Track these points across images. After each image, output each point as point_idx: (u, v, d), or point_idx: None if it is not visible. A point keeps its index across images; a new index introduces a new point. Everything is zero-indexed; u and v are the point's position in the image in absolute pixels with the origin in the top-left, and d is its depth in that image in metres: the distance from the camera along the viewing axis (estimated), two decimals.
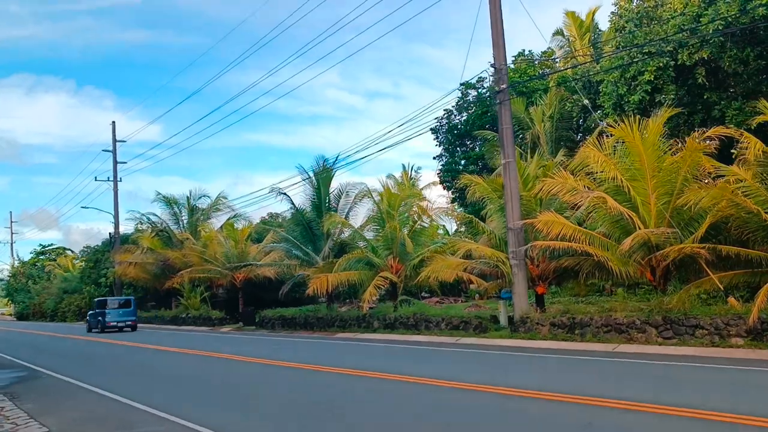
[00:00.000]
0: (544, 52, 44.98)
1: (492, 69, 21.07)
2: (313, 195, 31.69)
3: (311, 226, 31.46)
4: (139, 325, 43.54)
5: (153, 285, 48.54)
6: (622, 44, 23.95)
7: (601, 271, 19.17)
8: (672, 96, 22.11)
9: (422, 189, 51.39)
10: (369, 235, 28.84)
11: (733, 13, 20.33)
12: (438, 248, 25.73)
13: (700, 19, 21.10)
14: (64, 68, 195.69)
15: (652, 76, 22.28)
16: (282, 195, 31.68)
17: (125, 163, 52.17)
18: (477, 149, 43.82)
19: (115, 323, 37.19)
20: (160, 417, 10.29)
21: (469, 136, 44.82)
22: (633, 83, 22.85)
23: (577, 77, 28.84)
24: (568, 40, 41.26)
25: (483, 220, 23.84)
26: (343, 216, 32.08)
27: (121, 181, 51.64)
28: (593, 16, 40.86)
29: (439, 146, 45.69)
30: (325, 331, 27.48)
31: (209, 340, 27.60)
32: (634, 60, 22.73)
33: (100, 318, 37.23)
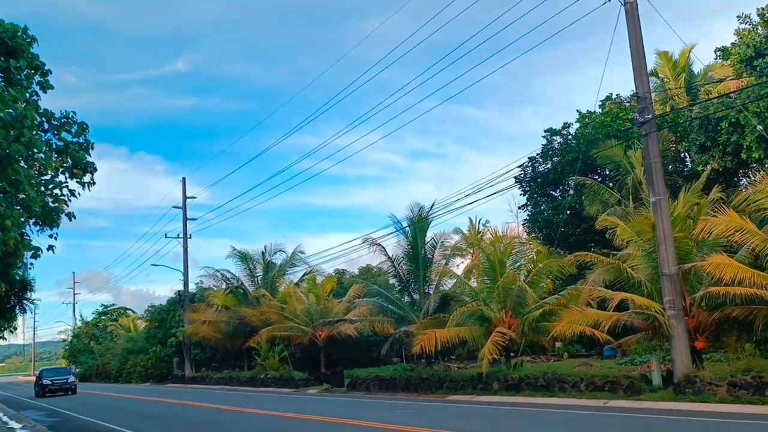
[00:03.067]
0: (631, 96, 42.80)
1: (634, 97, 19.10)
2: (408, 246, 29.68)
3: (407, 278, 29.38)
4: (212, 387, 41.67)
5: (224, 345, 46.75)
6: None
7: None
8: None
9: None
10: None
11: None
12: (560, 299, 23.28)
13: None
14: (117, 135, 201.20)
15: None
16: (376, 246, 29.76)
17: (195, 219, 51.16)
18: (565, 197, 41.53)
19: None
20: None
21: (555, 185, 42.62)
22: None
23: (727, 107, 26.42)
24: (662, 80, 39.17)
25: None
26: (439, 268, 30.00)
27: (191, 238, 50.55)
28: (688, 54, 38.83)
29: (523, 195, 43.44)
30: (433, 393, 25.03)
31: (309, 403, 25.41)
32: None
33: None
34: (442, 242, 30.87)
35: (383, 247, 29.79)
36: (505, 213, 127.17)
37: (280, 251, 46.47)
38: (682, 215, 19.11)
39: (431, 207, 29.84)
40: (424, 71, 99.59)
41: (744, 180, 29.68)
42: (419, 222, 29.48)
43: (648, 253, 19.16)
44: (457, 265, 35.05)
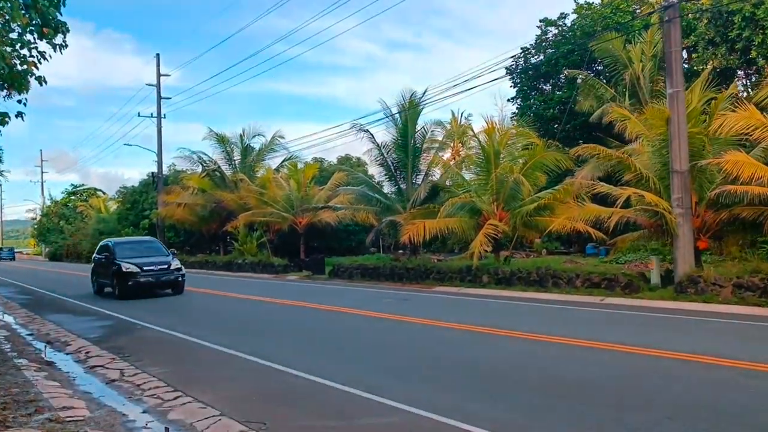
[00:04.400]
0: None
1: None
2: (397, 134, 28.43)
3: (396, 167, 28.32)
4: (188, 270, 41.08)
5: (200, 228, 45.82)
6: None
7: None
8: None
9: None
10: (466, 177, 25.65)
11: None
12: (555, 194, 22.50)
13: None
14: (83, 10, 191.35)
15: None
16: (363, 132, 28.46)
17: (169, 98, 48.75)
18: (555, 92, 40.21)
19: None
20: (375, 401, 7.42)
21: (546, 78, 41.20)
22: None
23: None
24: None
25: None
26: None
27: (164, 118, 48.38)
28: None
29: (514, 87, 41.99)
30: (418, 283, 24.56)
31: (290, 289, 24.85)
32: None
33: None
34: (432, 132, 29.70)
35: (371, 134, 28.54)
36: (490, 108, 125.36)
37: (258, 135, 44.91)
38: (697, 110, 18.09)
39: (423, 94, 28.44)
40: None
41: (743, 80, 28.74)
42: (410, 109, 28.13)
43: (657, 148, 18.25)
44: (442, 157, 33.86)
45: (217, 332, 13.47)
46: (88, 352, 11.61)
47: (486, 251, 22.69)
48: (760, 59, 25.43)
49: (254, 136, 44.74)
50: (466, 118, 58.92)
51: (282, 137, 44.21)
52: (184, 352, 11.61)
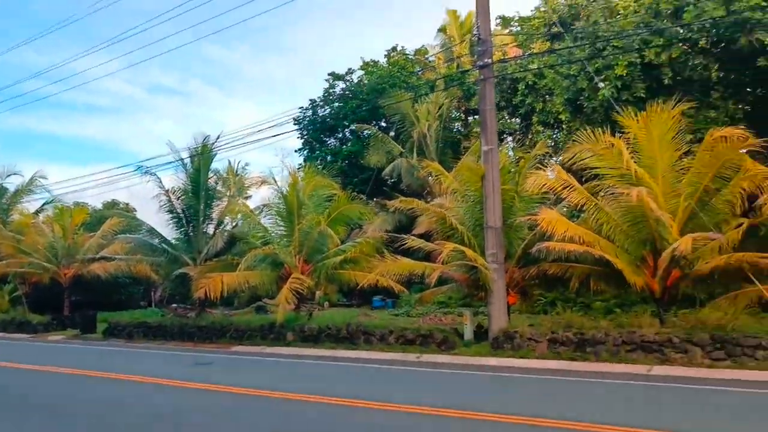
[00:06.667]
0: (417, 50, 42.81)
1: (476, 39, 18.06)
2: (188, 180, 26.27)
3: (187, 215, 26.09)
4: None
5: None
6: (582, 36, 22.11)
7: (600, 281, 16.86)
8: (642, 94, 20.58)
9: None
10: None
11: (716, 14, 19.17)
12: (361, 246, 21.98)
13: (683, 16, 19.79)
14: None
15: (625, 71, 20.60)
16: (151, 175, 25.91)
17: None
18: (340, 146, 40.38)
19: None
20: None
21: (332, 132, 41.31)
22: (598, 77, 20.99)
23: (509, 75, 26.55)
24: (450, 39, 39.43)
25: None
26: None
27: None
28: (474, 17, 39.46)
29: (301, 138, 41.52)
30: (213, 343, 22.42)
31: (56, 352, 21.45)
32: (603, 53, 20.94)
33: None
34: (224, 180, 27.99)
35: (159, 177, 26.04)
36: (273, 160, 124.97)
37: (14, 174, 39.64)
38: (506, 167, 18.64)
39: (217, 138, 26.70)
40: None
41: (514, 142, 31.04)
42: (203, 153, 26.22)
43: (471, 204, 18.50)
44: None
45: None
46: None
47: (293, 305, 21.40)
48: (539, 125, 27.34)
49: (8, 176, 39.43)
50: (243, 169, 57.53)
51: (44, 177, 39.47)
52: None
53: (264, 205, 25.21)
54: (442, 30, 39.67)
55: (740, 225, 14.90)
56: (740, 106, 21.37)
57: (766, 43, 18.70)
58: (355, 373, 15.39)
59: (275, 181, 23.35)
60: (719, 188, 15.32)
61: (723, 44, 20.11)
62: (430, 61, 41.12)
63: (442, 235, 18.68)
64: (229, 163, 55.84)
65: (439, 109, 34.54)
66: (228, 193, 33.13)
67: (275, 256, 22.00)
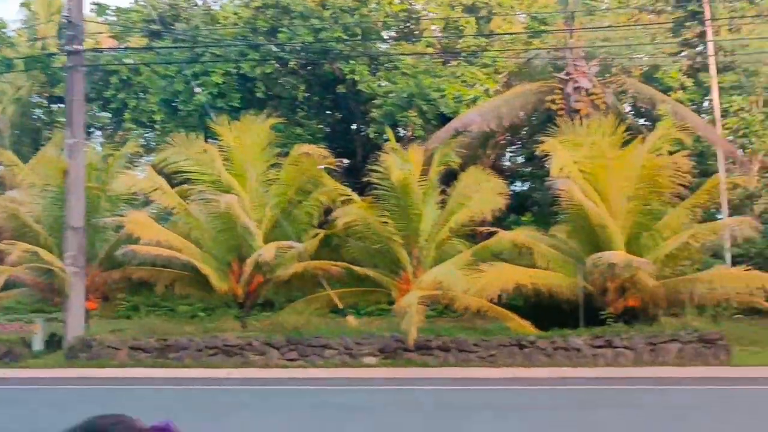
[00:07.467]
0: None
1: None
2: None
3: None
4: None
5: None
6: (182, 38, 21.87)
7: (187, 286, 16.79)
8: (237, 104, 21.13)
9: None
10: None
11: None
12: None
13: (278, 35, 20.94)
14: None
15: (222, 79, 20.92)
16: None
17: None
18: None
19: None
20: None
21: None
22: (195, 82, 20.94)
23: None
24: (35, 16, 35.47)
25: None
26: None
27: None
28: None
29: None
30: None
31: None
32: (202, 59, 21.00)
33: None
34: None
35: None
36: None
37: None
38: (93, 164, 17.38)
39: None
40: None
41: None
42: None
43: (51, 201, 16.84)
44: None
45: None
46: None
47: None
48: (131, 123, 26.26)
49: None
50: None
51: None
52: None
53: None
54: (26, 5, 35.58)
55: (317, 235, 16.24)
56: (322, 126, 23.44)
57: (345, 72, 20.81)
58: None
59: None
60: (301, 200, 16.52)
61: (310, 67, 21.86)
62: (9, 37, 36.52)
63: (14, 234, 16.64)
64: None
65: (18, 91, 30.93)
66: None
67: None
